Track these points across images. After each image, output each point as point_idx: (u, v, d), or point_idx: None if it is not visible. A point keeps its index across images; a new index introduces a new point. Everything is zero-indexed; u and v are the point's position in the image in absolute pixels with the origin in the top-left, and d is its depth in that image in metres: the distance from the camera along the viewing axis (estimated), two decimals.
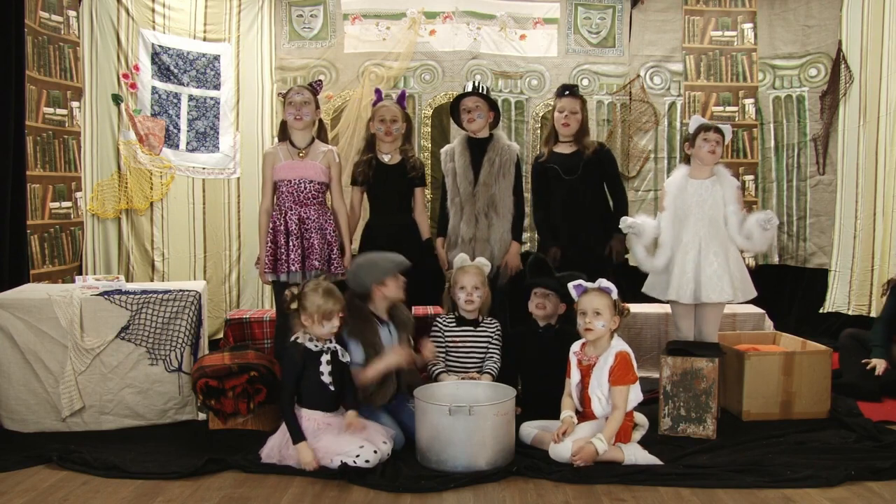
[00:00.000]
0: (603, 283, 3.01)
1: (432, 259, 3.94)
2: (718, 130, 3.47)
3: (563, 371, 3.12)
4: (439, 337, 3.53)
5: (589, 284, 3.04)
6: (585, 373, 2.99)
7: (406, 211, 3.89)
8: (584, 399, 2.99)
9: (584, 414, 2.99)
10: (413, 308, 4.34)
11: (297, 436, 2.85)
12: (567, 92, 3.88)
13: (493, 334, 3.53)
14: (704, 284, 3.35)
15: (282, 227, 3.57)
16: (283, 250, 3.55)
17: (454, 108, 3.97)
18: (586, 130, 3.97)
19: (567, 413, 2.98)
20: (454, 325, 3.53)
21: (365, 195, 3.96)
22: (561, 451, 2.84)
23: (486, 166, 3.82)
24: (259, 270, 3.69)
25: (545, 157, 3.94)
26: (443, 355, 3.50)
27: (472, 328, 3.51)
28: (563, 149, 3.92)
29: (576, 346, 3.08)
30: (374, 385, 3.10)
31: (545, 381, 3.27)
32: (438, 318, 3.60)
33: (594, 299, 2.97)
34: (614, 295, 3.00)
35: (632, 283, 3.72)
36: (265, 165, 3.69)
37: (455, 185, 3.86)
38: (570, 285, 3.07)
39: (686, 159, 3.58)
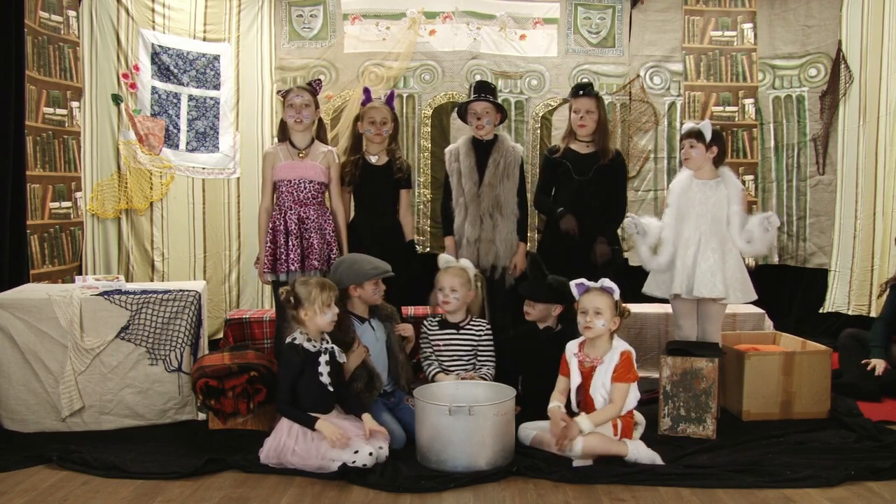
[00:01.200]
0: (605, 282, 3.01)
1: (416, 260, 3.94)
2: (690, 135, 3.45)
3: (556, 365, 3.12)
4: (426, 339, 3.52)
5: (591, 284, 3.03)
6: (588, 375, 2.99)
7: (391, 213, 3.87)
8: (586, 399, 2.98)
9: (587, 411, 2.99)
10: (413, 308, 4.36)
11: (309, 420, 2.85)
12: (581, 92, 3.83)
13: (480, 337, 3.49)
14: (698, 279, 3.35)
15: (281, 227, 3.57)
16: (282, 250, 3.55)
17: (462, 111, 3.95)
18: (606, 131, 3.91)
19: (554, 404, 2.96)
20: (437, 328, 3.52)
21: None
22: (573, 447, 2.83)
23: (491, 167, 3.82)
24: (258, 270, 3.69)
25: (560, 153, 3.89)
26: (434, 356, 3.49)
27: (454, 331, 3.49)
28: (580, 147, 3.88)
29: (573, 347, 3.07)
30: (362, 386, 3.13)
31: (544, 381, 3.26)
32: (425, 321, 3.58)
33: (595, 298, 2.97)
34: (616, 295, 3.00)
35: (632, 283, 3.71)
36: (265, 165, 3.69)
37: (460, 185, 3.85)
38: (573, 284, 3.07)
39: None
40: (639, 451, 2.89)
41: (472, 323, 3.52)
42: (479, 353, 3.48)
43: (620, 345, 2.98)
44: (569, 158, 3.86)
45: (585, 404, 2.99)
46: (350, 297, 3.28)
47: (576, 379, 3.01)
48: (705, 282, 3.34)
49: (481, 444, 2.80)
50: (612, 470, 2.78)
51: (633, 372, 2.94)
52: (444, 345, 3.48)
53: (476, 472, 2.75)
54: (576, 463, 2.83)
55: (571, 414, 2.99)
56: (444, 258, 3.59)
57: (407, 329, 3.44)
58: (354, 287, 3.26)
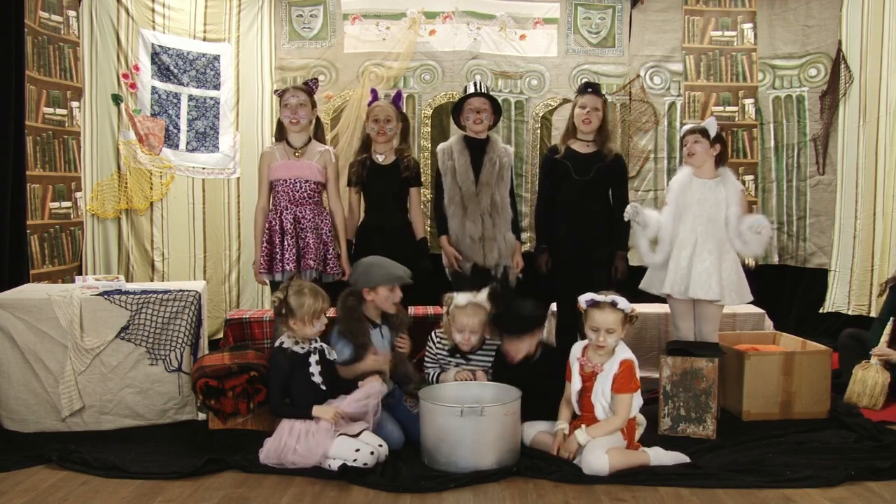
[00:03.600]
0: (618, 301, 2.93)
1: (426, 259, 3.94)
2: (693, 132, 3.47)
3: (549, 386, 3.10)
4: (431, 353, 3.46)
5: (601, 298, 2.96)
6: (587, 379, 2.97)
7: (401, 211, 3.87)
8: (586, 404, 2.97)
9: (584, 419, 2.97)
10: (413, 308, 4.34)
11: (305, 412, 2.87)
12: (590, 89, 3.84)
13: (488, 364, 3.36)
14: (693, 280, 3.36)
15: (277, 227, 3.56)
16: (278, 250, 3.54)
17: (457, 108, 3.95)
18: (608, 132, 3.93)
19: (561, 424, 2.97)
20: (446, 351, 3.42)
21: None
22: (595, 464, 2.75)
23: (487, 166, 3.82)
24: (255, 271, 3.68)
25: (561, 154, 3.89)
26: (437, 367, 3.43)
27: (462, 360, 3.39)
28: (580, 147, 3.88)
29: (577, 352, 3.05)
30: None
31: (533, 394, 3.22)
32: (435, 335, 3.48)
33: (608, 316, 2.91)
34: (627, 309, 2.95)
35: (632, 284, 3.72)
36: (262, 165, 3.69)
37: (455, 184, 3.84)
38: (581, 299, 2.99)
39: None
40: (660, 456, 2.87)
41: (481, 351, 3.38)
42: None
43: (622, 353, 2.95)
44: (570, 158, 3.85)
45: (585, 410, 2.98)
46: (364, 301, 3.26)
47: (576, 384, 2.99)
48: (700, 283, 3.34)
49: (491, 444, 2.80)
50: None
51: (635, 381, 2.92)
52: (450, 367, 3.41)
53: (477, 472, 2.75)
54: (586, 469, 2.77)
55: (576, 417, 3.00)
56: (462, 297, 3.34)
57: (405, 346, 3.39)
58: (368, 291, 3.23)
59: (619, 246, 3.88)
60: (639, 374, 2.96)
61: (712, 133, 3.47)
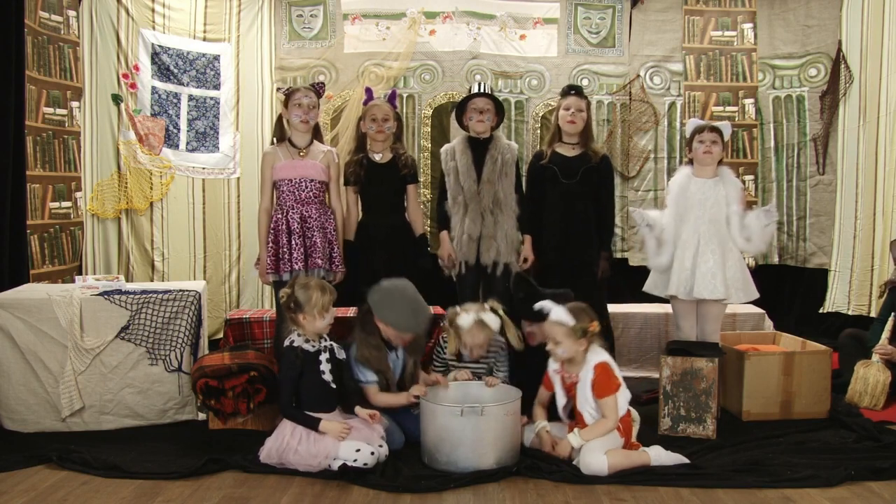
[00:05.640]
0: (552, 315, 2.92)
1: (425, 257, 3.93)
2: (714, 129, 3.47)
3: None
4: (439, 356, 3.44)
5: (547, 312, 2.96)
6: (570, 390, 2.97)
7: (399, 210, 3.87)
8: (577, 414, 2.96)
9: (578, 425, 2.95)
10: None
11: (313, 421, 2.86)
12: (573, 91, 3.87)
13: (494, 354, 3.38)
14: (698, 281, 3.35)
15: (283, 227, 3.56)
16: (285, 250, 3.54)
17: (460, 108, 3.95)
18: (591, 134, 3.96)
19: (541, 423, 2.99)
20: (450, 355, 3.39)
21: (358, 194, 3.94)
22: (594, 465, 2.76)
23: (489, 164, 3.82)
24: (259, 271, 3.68)
25: (546, 159, 3.90)
26: (443, 369, 3.42)
27: (470, 361, 3.38)
28: (565, 151, 3.90)
29: (554, 364, 3.05)
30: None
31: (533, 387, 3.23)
32: (441, 338, 3.44)
33: (550, 329, 2.93)
34: (569, 323, 2.90)
35: (632, 283, 3.72)
36: (264, 165, 3.68)
37: (458, 183, 3.85)
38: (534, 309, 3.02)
39: (690, 160, 3.58)
40: (661, 456, 2.87)
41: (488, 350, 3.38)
42: (496, 367, 3.39)
43: (594, 357, 2.92)
44: (555, 162, 3.87)
45: (577, 420, 2.97)
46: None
47: (562, 398, 3.00)
48: (706, 283, 3.33)
49: (491, 444, 2.80)
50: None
51: (614, 381, 2.89)
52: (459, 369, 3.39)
53: (478, 472, 2.75)
54: (584, 470, 2.78)
55: (554, 419, 3.02)
56: (466, 320, 3.25)
57: (444, 382, 3.25)
58: (381, 323, 3.14)
59: (603, 247, 3.89)
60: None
61: (727, 136, 3.50)
